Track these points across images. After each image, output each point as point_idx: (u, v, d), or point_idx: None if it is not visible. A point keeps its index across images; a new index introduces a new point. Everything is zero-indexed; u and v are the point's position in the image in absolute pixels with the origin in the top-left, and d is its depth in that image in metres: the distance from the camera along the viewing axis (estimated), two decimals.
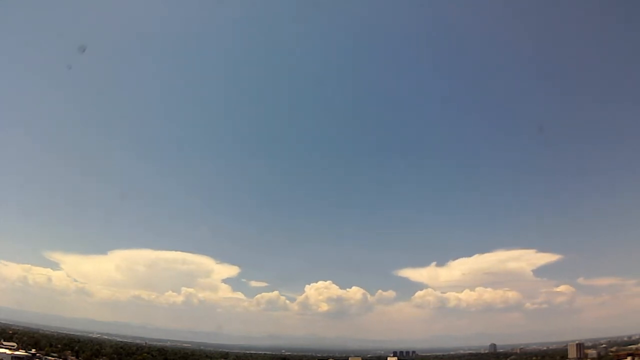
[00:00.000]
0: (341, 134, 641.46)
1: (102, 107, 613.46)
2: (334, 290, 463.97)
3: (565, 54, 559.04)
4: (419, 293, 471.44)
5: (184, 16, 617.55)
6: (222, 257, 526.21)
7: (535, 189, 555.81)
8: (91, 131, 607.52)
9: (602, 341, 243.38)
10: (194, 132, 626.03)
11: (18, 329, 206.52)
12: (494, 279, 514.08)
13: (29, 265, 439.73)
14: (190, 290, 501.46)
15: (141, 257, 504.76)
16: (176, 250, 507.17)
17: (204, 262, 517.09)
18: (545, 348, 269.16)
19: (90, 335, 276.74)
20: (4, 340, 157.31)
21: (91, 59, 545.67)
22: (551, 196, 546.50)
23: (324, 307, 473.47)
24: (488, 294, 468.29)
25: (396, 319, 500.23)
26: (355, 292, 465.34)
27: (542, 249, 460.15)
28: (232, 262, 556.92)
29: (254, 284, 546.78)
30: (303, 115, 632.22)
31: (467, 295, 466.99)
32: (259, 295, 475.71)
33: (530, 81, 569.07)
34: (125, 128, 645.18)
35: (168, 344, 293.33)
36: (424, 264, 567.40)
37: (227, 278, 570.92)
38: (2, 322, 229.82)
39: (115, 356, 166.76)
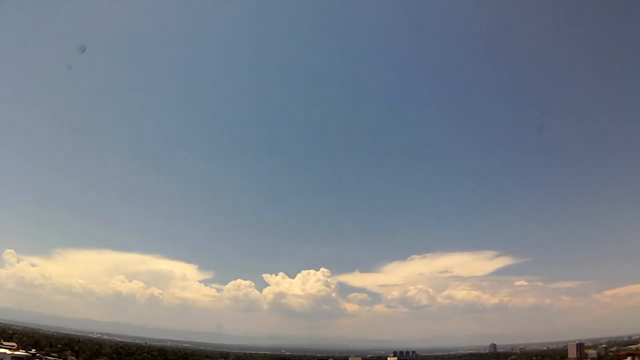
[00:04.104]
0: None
1: (102, 107, 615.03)
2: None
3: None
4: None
5: (184, 16, 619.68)
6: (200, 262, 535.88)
7: (482, 191, 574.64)
8: (91, 132, 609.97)
9: (602, 341, 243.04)
10: (185, 133, 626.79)
11: (18, 329, 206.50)
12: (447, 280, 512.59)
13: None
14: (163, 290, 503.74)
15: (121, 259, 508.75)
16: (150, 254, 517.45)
17: (179, 265, 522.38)
18: (545, 348, 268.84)
19: (90, 335, 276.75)
20: (4, 340, 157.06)
21: (91, 59, 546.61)
22: (506, 199, 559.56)
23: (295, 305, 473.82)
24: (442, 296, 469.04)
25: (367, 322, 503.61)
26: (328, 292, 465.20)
27: (502, 252, 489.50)
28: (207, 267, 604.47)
29: (218, 284, 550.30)
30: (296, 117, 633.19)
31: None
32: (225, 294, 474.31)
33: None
34: (122, 129, 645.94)
35: (168, 344, 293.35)
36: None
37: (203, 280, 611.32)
38: (2, 322, 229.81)
39: (115, 356, 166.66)
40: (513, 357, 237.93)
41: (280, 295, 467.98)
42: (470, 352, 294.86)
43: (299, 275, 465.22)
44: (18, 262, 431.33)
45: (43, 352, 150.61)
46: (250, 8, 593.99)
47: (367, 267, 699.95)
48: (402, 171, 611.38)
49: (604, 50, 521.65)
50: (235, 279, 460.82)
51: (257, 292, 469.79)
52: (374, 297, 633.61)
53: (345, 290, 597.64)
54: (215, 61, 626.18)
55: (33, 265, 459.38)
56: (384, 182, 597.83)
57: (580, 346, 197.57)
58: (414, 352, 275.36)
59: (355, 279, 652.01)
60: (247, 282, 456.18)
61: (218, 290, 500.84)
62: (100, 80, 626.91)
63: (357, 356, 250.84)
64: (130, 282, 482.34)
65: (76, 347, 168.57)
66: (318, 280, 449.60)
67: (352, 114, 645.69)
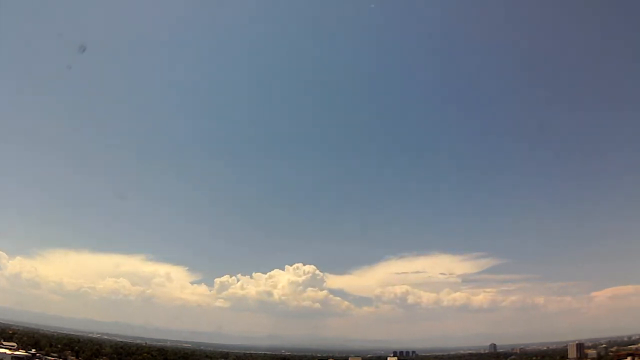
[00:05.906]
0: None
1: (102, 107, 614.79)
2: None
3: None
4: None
5: (185, 15, 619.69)
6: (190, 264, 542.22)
7: (469, 190, 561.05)
8: (90, 131, 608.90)
9: (602, 341, 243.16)
10: (184, 134, 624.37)
11: (18, 329, 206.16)
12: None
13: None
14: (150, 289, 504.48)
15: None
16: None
17: (169, 267, 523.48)
18: (545, 348, 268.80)
19: (90, 335, 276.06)
20: (4, 340, 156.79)
21: (91, 59, 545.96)
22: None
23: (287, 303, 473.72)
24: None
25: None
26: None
27: (490, 252, 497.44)
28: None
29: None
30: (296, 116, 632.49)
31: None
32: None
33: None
34: (122, 129, 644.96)
35: (168, 344, 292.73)
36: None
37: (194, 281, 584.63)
38: (2, 322, 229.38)
39: (115, 356, 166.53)
40: (513, 357, 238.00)
41: (268, 293, 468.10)
42: (470, 352, 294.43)
43: (290, 272, 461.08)
44: (9, 262, 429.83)
45: (43, 352, 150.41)
46: (253, 7, 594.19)
47: (351, 267, 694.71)
48: (385, 169, 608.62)
49: (603, 50, 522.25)
50: (226, 280, 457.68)
51: (247, 291, 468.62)
52: (365, 298, 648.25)
53: (332, 291, 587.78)
54: (215, 60, 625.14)
55: (26, 266, 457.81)
56: (365, 181, 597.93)
57: (580, 346, 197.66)
58: (414, 352, 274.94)
59: (334, 280, 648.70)
60: (233, 279, 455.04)
61: (210, 290, 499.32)
62: (100, 80, 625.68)
63: (357, 356, 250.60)
64: (124, 283, 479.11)
65: (76, 347, 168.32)
66: (307, 277, 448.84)
67: (350, 112, 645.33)
